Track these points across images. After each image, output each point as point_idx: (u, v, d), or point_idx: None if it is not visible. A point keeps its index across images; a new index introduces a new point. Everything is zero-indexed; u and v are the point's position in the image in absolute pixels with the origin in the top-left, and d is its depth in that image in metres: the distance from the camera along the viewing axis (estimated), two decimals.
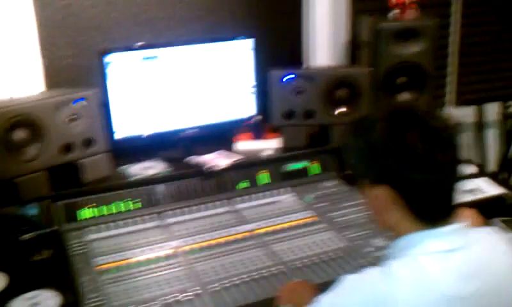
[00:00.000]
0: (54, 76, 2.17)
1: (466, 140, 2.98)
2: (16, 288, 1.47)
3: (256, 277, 1.54)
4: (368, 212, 1.25)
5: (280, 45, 2.53)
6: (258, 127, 2.31)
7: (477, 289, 1.07)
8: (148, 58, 2.07)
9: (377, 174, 1.13)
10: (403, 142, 1.09)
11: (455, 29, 2.94)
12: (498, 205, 2.00)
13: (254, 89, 2.28)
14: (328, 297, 1.12)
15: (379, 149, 1.11)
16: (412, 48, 2.33)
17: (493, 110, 3.10)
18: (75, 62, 2.22)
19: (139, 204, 1.90)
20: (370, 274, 1.09)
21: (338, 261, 1.62)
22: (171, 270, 1.58)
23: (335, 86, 2.21)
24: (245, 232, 1.78)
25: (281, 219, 1.86)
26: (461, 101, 3.06)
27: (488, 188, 2.10)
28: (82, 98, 1.90)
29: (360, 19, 2.53)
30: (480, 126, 3.09)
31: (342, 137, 2.14)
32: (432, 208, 1.12)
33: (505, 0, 2.95)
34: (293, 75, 2.21)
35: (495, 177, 2.23)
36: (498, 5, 2.96)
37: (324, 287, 1.16)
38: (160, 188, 1.95)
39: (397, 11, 2.40)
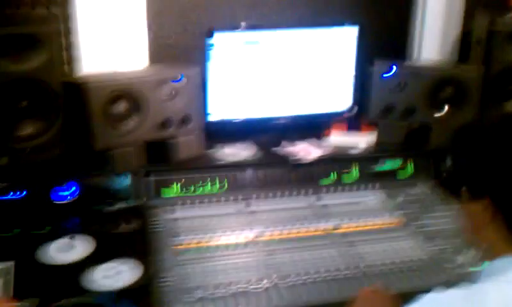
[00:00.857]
0: (158, 52, 2.24)
1: None
2: (102, 255, 1.56)
3: (331, 276, 1.52)
4: (460, 224, 1.18)
5: (385, 35, 2.41)
6: (353, 120, 2.24)
7: None
8: (250, 42, 2.07)
9: (481, 186, 1.08)
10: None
11: None
12: None
13: (353, 80, 2.21)
14: None
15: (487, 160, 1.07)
16: None
17: None
18: (178, 39, 2.27)
19: (224, 188, 1.93)
20: (454, 296, 1.02)
21: (417, 273, 1.55)
22: (249, 258, 1.59)
23: (441, 84, 2.08)
24: (326, 229, 1.75)
25: (364, 219, 1.81)
26: None
27: None
28: (182, 76, 1.94)
29: (476, 14, 2.34)
30: None
31: (445, 140, 2.03)
32: None
33: None
34: (396, 69, 2.11)
35: None
36: None
37: (400, 299, 1.12)
38: (247, 174, 1.96)
39: None
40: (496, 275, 1.03)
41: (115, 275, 1.47)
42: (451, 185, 1.43)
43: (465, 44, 2.40)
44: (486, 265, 1.09)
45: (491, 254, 1.09)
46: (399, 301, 1.18)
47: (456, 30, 2.44)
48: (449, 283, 1.08)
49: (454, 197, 1.20)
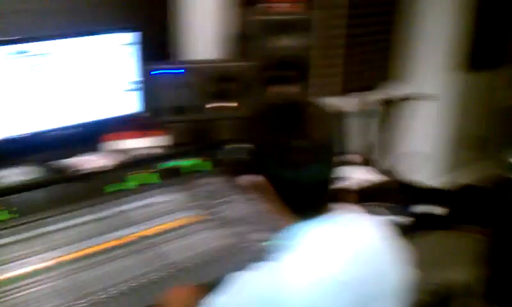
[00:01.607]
0: None
1: (350, 128, 3.12)
2: None
3: (140, 283, 1.50)
4: (255, 205, 1.27)
5: (160, 37, 2.46)
6: (141, 123, 2.24)
7: (355, 273, 1.12)
8: (16, 53, 1.90)
9: (257, 166, 1.17)
10: (272, 138, 1.12)
11: (339, 21, 3.03)
12: (382, 192, 2.10)
13: (136, 84, 2.19)
14: (221, 298, 1.12)
15: (256, 146, 1.16)
16: (291, 41, 2.38)
17: (374, 99, 3.25)
18: None
19: (5, 215, 1.74)
20: (262, 270, 1.10)
21: (223, 260, 1.62)
22: (51, 284, 1.48)
23: (219, 79, 2.19)
24: (127, 236, 1.71)
25: (164, 220, 1.80)
26: (346, 90, 3.17)
27: (371, 176, 2.19)
28: None
29: (242, 11, 2.52)
30: (364, 114, 3.21)
31: (231, 132, 2.14)
32: (309, 201, 1.16)
33: None
34: (163, 70, 2.16)
35: (367, 164, 2.35)
36: None
37: (212, 287, 1.16)
38: (30, 195, 1.79)
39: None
40: (290, 242, 1.13)
41: None
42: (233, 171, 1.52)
43: (235, 39, 2.57)
44: (277, 236, 1.19)
45: (281, 225, 1.19)
46: (206, 291, 1.22)
47: (223, 27, 2.59)
48: (253, 261, 1.15)
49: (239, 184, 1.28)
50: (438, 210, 2.05)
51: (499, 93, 3.97)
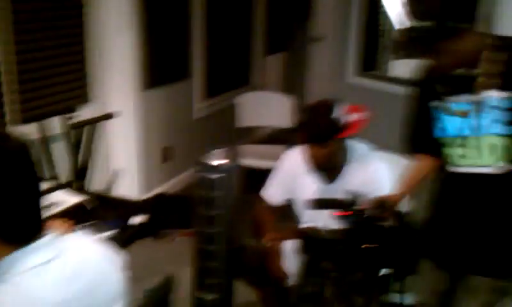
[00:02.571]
0: None
1: (34, 156, 2.96)
2: None
3: None
4: None
5: None
6: None
7: (78, 289, 1.13)
8: None
9: None
10: None
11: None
12: (81, 211, 2.10)
13: None
14: None
15: None
16: None
17: (57, 124, 3.18)
18: None
19: None
20: None
21: None
22: None
23: None
24: None
25: None
26: (25, 118, 3.02)
27: (68, 198, 2.17)
28: None
29: None
30: (46, 140, 3.09)
31: None
32: (19, 228, 1.10)
33: None
34: None
35: (71, 186, 2.33)
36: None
37: None
38: None
39: None
40: (1, 277, 1.06)
41: None
42: None
43: None
44: None
45: None
46: None
47: None
48: None
49: None
50: (141, 219, 2.17)
51: (183, 105, 4.36)
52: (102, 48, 3.59)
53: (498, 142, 1.83)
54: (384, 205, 1.85)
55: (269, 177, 2.43)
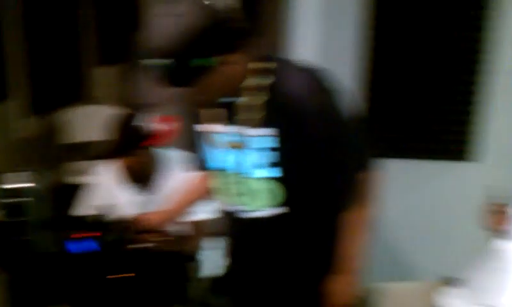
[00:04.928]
0: None
1: None
2: None
3: None
4: None
5: None
6: None
7: None
8: None
9: None
10: None
11: None
12: None
13: None
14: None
15: None
16: None
17: None
18: None
19: None
20: None
21: None
22: None
23: None
24: None
25: None
26: None
27: None
28: None
29: None
30: None
31: None
32: None
33: None
34: None
35: None
36: None
37: None
38: None
39: None
40: None
41: None
42: None
43: None
44: None
45: None
46: None
47: None
48: None
49: None
50: None
51: (13, 123, 4.05)
52: None
53: (261, 185, 1.56)
54: (142, 225, 1.62)
55: (82, 193, 2.35)
